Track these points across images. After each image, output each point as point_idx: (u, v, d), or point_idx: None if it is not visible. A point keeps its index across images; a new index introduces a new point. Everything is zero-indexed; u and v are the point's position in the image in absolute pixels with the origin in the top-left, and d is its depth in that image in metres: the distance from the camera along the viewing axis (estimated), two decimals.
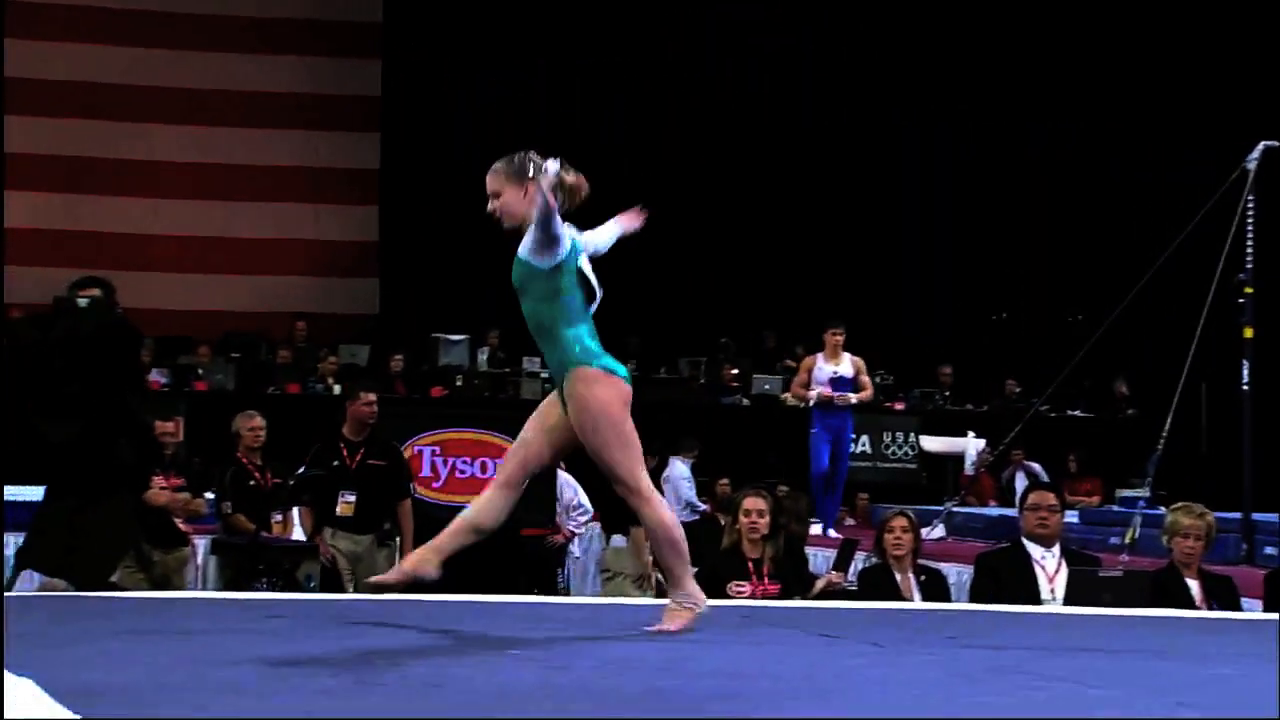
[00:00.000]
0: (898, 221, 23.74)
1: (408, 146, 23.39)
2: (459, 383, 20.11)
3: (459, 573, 11.80)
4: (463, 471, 13.31)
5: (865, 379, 15.86)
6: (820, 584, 10.14)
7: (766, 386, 20.94)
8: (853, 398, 15.72)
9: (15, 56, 22.32)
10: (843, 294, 22.35)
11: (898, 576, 9.78)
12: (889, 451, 19.61)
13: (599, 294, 6.59)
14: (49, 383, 9.67)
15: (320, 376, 20.07)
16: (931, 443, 19.40)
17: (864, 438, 19.43)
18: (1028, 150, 23.40)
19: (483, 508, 6.73)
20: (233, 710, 4.25)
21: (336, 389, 19.57)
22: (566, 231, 6.53)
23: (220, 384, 19.54)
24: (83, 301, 9.76)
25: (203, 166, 22.97)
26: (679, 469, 17.70)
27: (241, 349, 21.08)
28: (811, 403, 15.69)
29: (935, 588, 9.89)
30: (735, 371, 21.37)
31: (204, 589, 12.36)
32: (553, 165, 6.32)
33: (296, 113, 23.45)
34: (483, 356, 21.10)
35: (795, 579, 9.79)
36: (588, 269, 6.59)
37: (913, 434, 19.46)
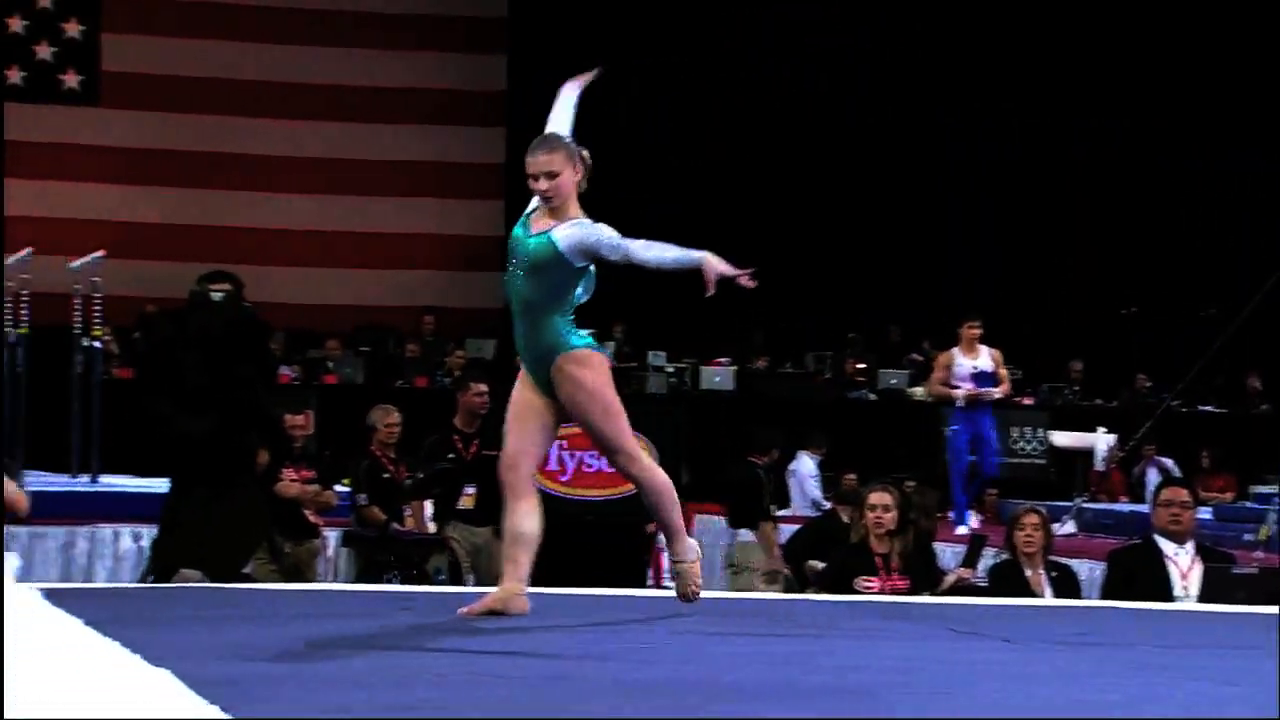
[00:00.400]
0: (975, 216, 23.49)
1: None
2: None
3: (560, 564, 11.90)
4: (589, 465, 13.34)
5: (1004, 372, 15.40)
6: (949, 580, 10.09)
7: (893, 381, 20.85)
8: (995, 392, 15.24)
9: (146, 53, 22.67)
10: (946, 287, 22.27)
11: (1028, 573, 9.71)
12: (1018, 447, 19.43)
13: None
14: (182, 376, 9.81)
15: (448, 370, 20.20)
16: (1061, 438, 19.20)
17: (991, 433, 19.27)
18: (1073, 147, 23.13)
19: (528, 520, 6.64)
20: (364, 701, 4.30)
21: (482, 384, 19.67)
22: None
23: (350, 378, 19.71)
24: (216, 295, 9.90)
25: (332, 162, 23.17)
26: (806, 465, 17.66)
27: (371, 343, 21.26)
28: (960, 401, 15.18)
29: (1066, 584, 9.82)
30: (862, 366, 21.29)
31: (335, 581, 12.46)
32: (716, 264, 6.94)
33: (423, 108, 23.60)
34: (608, 350, 21.14)
35: (924, 574, 9.75)
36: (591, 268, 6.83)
37: (1042, 429, 19.28)
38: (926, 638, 6.42)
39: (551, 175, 6.79)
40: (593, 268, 6.83)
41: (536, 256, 6.68)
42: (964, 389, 15.11)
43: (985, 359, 15.15)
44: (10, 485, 8.19)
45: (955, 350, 15.40)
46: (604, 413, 6.71)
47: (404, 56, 23.64)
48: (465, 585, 11.10)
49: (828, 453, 17.93)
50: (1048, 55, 22.99)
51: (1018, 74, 22.97)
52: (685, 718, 4.23)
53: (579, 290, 6.81)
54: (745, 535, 13.78)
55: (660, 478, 6.71)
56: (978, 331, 15.37)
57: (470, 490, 11.93)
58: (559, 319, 6.74)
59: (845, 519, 13.31)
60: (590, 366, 6.76)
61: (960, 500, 15.44)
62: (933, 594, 9.52)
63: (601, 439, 6.73)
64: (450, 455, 11.99)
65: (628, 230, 6.70)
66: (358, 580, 12.13)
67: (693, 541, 6.79)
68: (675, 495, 6.71)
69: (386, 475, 12.39)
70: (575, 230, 6.60)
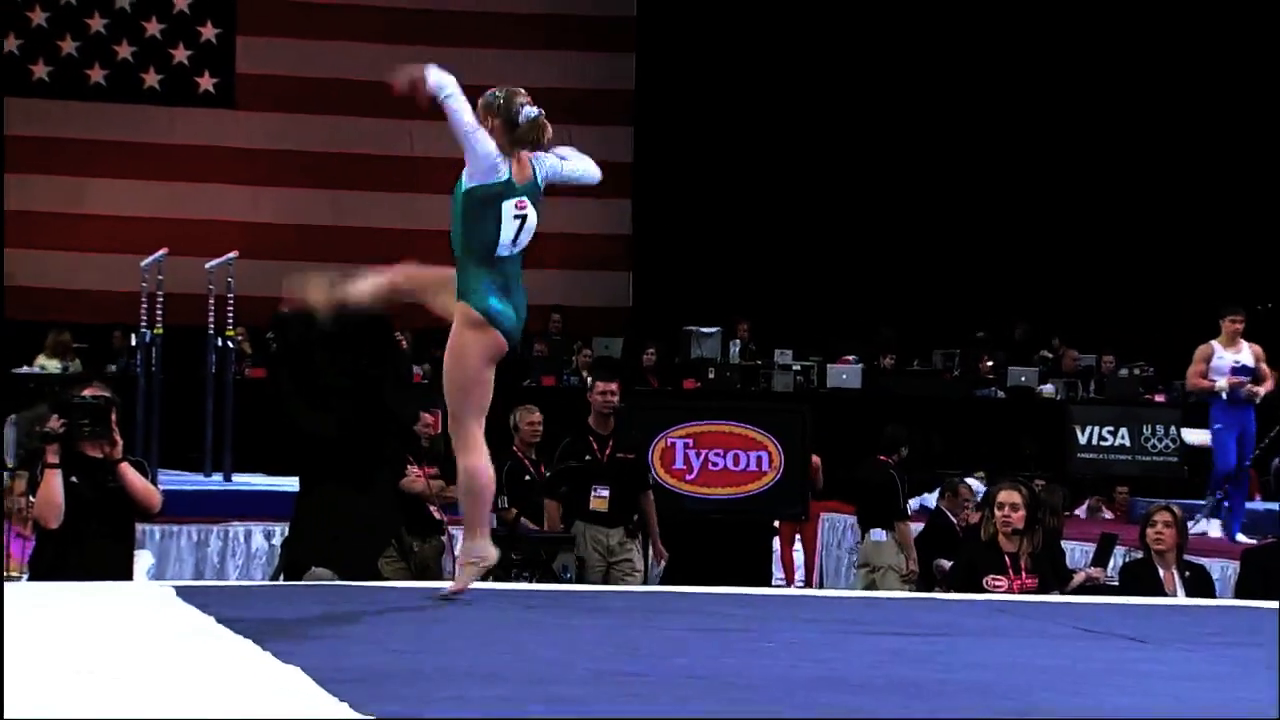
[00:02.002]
0: (1101, 212, 23.17)
1: (660, 140, 23.48)
2: (711, 375, 20.15)
3: (686, 561, 11.88)
4: (715, 464, 13.34)
5: (1266, 368, 14.33)
6: (1079, 578, 9.98)
7: (1022, 379, 20.67)
8: (1259, 389, 14.18)
9: (280, 56, 22.90)
10: (1073, 284, 22.05)
11: (1161, 572, 9.59)
12: (1149, 444, 19.24)
13: (517, 241, 6.77)
14: (313, 376, 9.91)
15: (575, 369, 20.25)
16: (1194, 435, 18.95)
17: (1123, 430, 19.11)
18: (1197, 138, 22.77)
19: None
20: (493, 700, 4.30)
21: (590, 381, 19.73)
22: (514, 167, 6.76)
23: None
24: None
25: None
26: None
27: None
28: (1224, 394, 14.20)
29: (1200, 584, 9.68)
30: (991, 364, 21.13)
31: None
32: (434, 73, 6.77)
33: (551, 107, 23.56)
34: (734, 349, 21.11)
35: (1053, 573, 9.65)
36: (512, 212, 6.74)
37: (1174, 426, 19.06)
38: (1056, 637, 6.35)
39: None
40: (510, 211, 6.76)
41: (453, 202, 6.82)
42: (1223, 381, 14.12)
43: (1246, 354, 14.23)
44: (144, 482, 8.29)
45: (1215, 343, 14.37)
46: (454, 376, 6.64)
47: (533, 56, 23.70)
48: (595, 585, 11.07)
49: (953, 450, 17.80)
50: (1139, 45, 22.67)
51: (1123, 63, 22.68)
52: (813, 717, 4.21)
53: (482, 229, 6.69)
54: (875, 535, 13.70)
55: (468, 465, 6.63)
56: (1240, 325, 14.35)
57: (603, 492, 11.81)
58: (465, 261, 6.73)
59: (951, 517, 13.25)
60: (466, 327, 6.66)
61: (1228, 502, 14.35)
62: (1062, 593, 9.42)
63: (449, 403, 6.70)
64: (588, 457, 11.91)
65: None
66: (485, 577, 12.17)
67: (486, 545, 6.72)
68: (479, 489, 6.66)
69: (529, 478, 12.33)
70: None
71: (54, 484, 8.06)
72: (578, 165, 6.91)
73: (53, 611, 6.12)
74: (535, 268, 24.88)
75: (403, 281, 6.82)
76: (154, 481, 8.47)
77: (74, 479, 8.13)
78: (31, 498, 8.26)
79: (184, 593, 6.67)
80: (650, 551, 11.96)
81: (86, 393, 8.33)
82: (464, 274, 6.67)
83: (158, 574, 11.70)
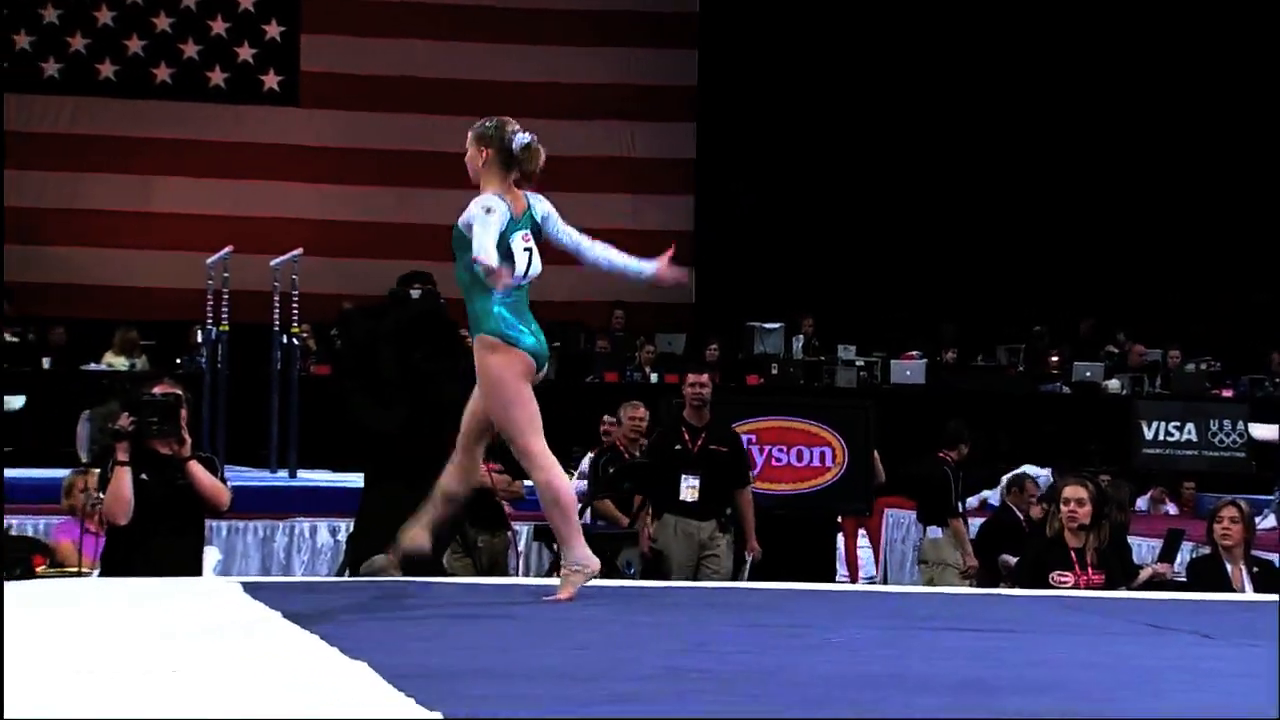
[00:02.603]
0: (1166, 206, 23.00)
1: (723, 136, 23.47)
2: (774, 370, 20.12)
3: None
4: (779, 459, 13.31)
5: None
6: (1145, 574, 9.94)
7: (1087, 374, 20.57)
8: None
9: (343, 53, 22.99)
10: (1156, 277, 21.90)
11: (1228, 567, 9.53)
12: (1216, 439, 19.12)
13: (528, 273, 6.83)
14: (377, 372, 9.94)
15: (638, 365, 20.26)
16: (1261, 430, 18.84)
17: (1189, 425, 18.99)
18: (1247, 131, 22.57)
19: (451, 475, 6.93)
20: (557, 697, 4.31)
21: (654, 377, 19.74)
22: (510, 202, 6.77)
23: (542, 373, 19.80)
24: (415, 294, 10.03)
25: None
26: None
27: (561, 338, 21.36)
28: None
29: (1268, 579, 9.62)
30: (1056, 359, 21.02)
31: (527, 575, 12.53)
32: (493, 265, 6.58)
33: (614, 104, 23.67)
34: (797, 344, 21.08)
35: (1120, 569, 9.60)
36: (521, 245, 6.76)
37: (1241, 421, 18.93)
38: (1122, 633, 6.32)
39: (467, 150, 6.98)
40: (520, 245, 6.80)
41: (454, 239, 6.82)
42: None
43: None
44: (212, 480, 8.34)
45: None
46: (501, 401, 6.72)
47: (595, 52, 23.74)
48: (672, 579, 11.02)
49: (1019, 446, 17.71)
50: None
51: (1192, 54, 22.52)
52: (875, 716, 4.20)
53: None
54: (935, 531, 13.66)
55: (548, 481, 6.69)
56: None
57: (693, 482, 11.66)
58: (481, 301, 6.75)
59: (1017, 513, 13.18)
60: (493, 354, 6.74)
61: None
62: (1129, 589, 9.37)
63: (499, 427, 6.79)
64: (677, 447, 11.84)
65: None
66: (548, 573, 12.19)
67: (585, 554, 6.72)
68: (566, 503, 6.73)
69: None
70: (469, 206, 6.76)
71: (123, 481, 8.11)
72: (571, 235, 7.05)
73: (120, 607, 6.16)
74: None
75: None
76: (223, 478, 8.51)
77: (144, 476, 8.18)
78: (101, 494, 8.32)
79: (250, 588, 6.71)
80: (745, 549, 11.85)
81: (157, 390, 8.38)
82: (475, 307, 6.77)
83: (224, 569, 11.77)
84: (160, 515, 8.17)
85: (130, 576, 7.64)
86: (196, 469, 8.26)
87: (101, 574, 8.43)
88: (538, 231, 6.90)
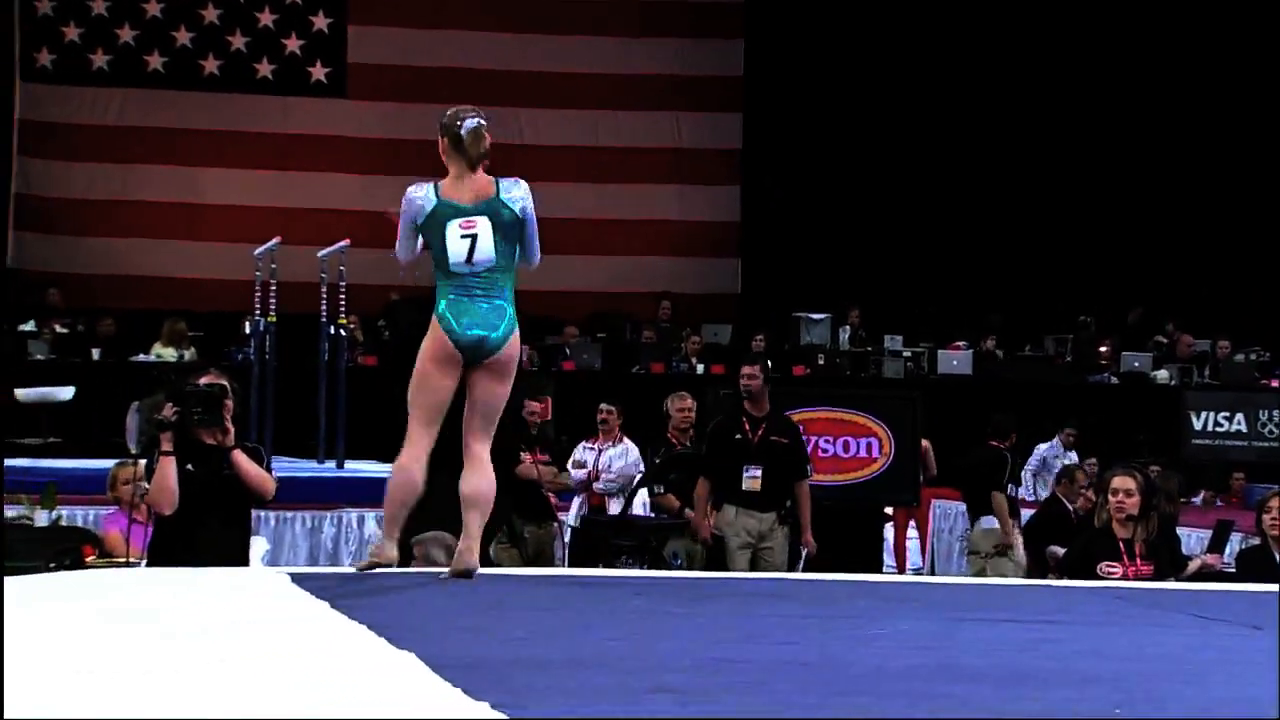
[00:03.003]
0: (1209, 195, 22.84)
1: (770, 126, 23.42)
2: (820, 361, 20.10)
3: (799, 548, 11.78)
4: (826, 450, 13.30)
5: None
6: (1194, 565, 9.90)
7: (1135, 364, 20.47)
8: None
9: (390, 45, 23.03)
10: (1205, 267, 21.77)
11: (1277, 557, 9.47)
12: (1265, 430, 19.02)
13: (471, 260, 6.88)
14: None
15: (684, 356, 20.25)
16: None
17: (1238, 415, 18.90)
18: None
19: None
20: (604, 688, 4.31)
21: (700, 368, 19.73)
22: (458, 188, 6.90)
23: (587, 364, 19.83)
24: None
25: (571, 149, 23.33)
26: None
27: (607, 329, 21.38)
28: None
29: None
30: (1105, 349, 20.93)
31: (571, 565, 12.53)
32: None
33: (660, 94, 23.66)
34: (844, 335, 21.03)
35: (1169, 560, 9.54)
36: (458, 233, 6.86)
37: None
38: (1172, 624, 6.29)
39: None
40: (454, 232, 6.91)
41: None
42: None
43: None
44: (257, 469, 8.36)
45: None
46: (413, 381, 7.06)
47: (642, 43, 23.72)
48: (730, 571, 10.98)
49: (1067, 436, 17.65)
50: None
51: (1240, 45, 22.38)
52: (926, 708, 4.19)
53: (436, 251, 6.97)
54: (986, 522, 13.61)
55: (394, 469, 7.09)
56: None
57: (755, 472, 11.60)
58: (437, 282, 7.05)
59: (1066, 504, 13.12)
60: (429, 333, 7.04)
61: None
62: (1178, 580, 9.32)
63: None
64: (737, 436, 11.81)
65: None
66: (595, 563, 12.18)
67: (386, 543, 7.15)
68: (393, 496, 7.13)
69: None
70: None
71: (168, 471, 8.14)
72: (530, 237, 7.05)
73: (166, 597, 6.19)
74: (646, 254, 24.90)
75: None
76: (268, 468, 8.54)
77: (189, 466, 8.21)
78: (147, 484, 8.35)
79: (298, 579, 6.73)
80: (801, 542, 11.80)
81: (202, 381, 8.41)
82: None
83: (272, 560, 11.81)
84: (206, 505, 8.20)
85: (176, 566, 7.67)
86: (241, 459, 8.28)
87: (148, 564, 8.47)
88: (505, 218, 6.90)
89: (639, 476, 12.83)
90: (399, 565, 7.31)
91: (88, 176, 22.23)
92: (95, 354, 18.85)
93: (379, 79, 22.94)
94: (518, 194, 6.95)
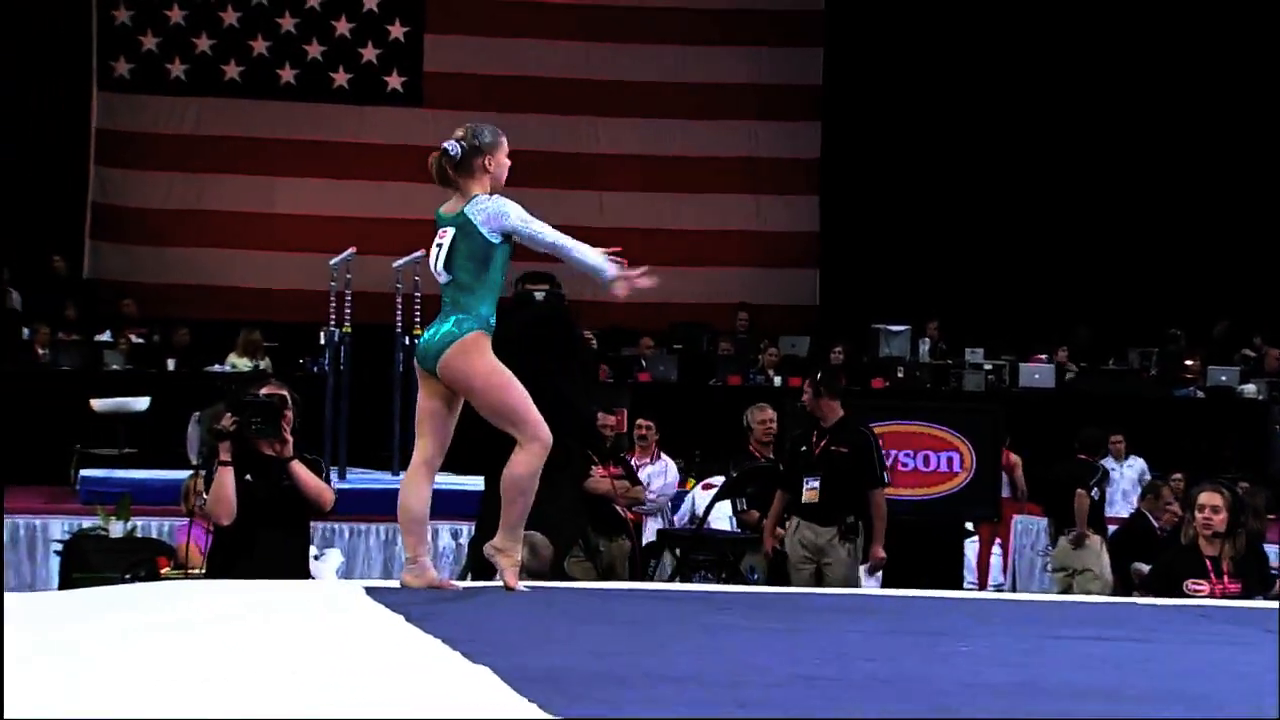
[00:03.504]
0: None
1: (849, 135, 23.34)
2: (900, 374, 20.02)
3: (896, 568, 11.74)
4: (905, 464, 13.23)
5: None
6: None
7: (1223, 378, 20.29)
8: None
9: (467, 54, 23.10)
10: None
11: None
12: None
13: (437, 268, 7.08)
14: None
15: (761, 368, 20.22)
16: None
17: None
18: None
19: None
20: (685, 702, 4.30)
21: (777, 380, 19.70)
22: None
23: (663, 376, 19.83)
24: (538, 295, 10.05)
25: (647, 159, 23.34)
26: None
27: (684, 341, 21.37)
28: None
29: None
30: (1192, 363, 20.75)
31: (649, 579, 12.51)
32: None
33: (738, 103, 23.64)
34: (924, 347, 20.96)
35: (1256, 578, 9.46)
36: (432, 249, 7.10)
37: None
38: (1259, 643, 6.22)
39: None
40: (443, 240, 7.12)
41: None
42: None
43: None
44: (315, 480, 8.37)
45: None
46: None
47: (720, 52, 23.70)
48: (790, 586, 10.96)
49: (1152, 451, 17.53)
50: None
51: None
52: (1008, 718, 4.17)
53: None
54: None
55: (399, 497, 7.26)
56: None
57: (814, 484, 11.52)
58: None
59: (1152, 519, 13.02)
60: None
61: None
62: (1265, 598, 9.23)
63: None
64: (803, 449, 11.76)
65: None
66: (671, 578, 12.18)
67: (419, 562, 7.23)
68: (404, 520, 7.30)
69: None
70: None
71: (225, 481, 8.16)
72: (538, 234, 7.17)
73: (240, 608, 6.22)
74: (723, 265, 24.93)
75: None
76: (327, 479, 8.55)
77: (248, 477, 8.24)
78: (205, 495, 8.38)
79: (373, 592, 6.75)
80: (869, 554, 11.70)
81: (262, 391, 8.43)
82: None
83: (347, 573, 11.87)
84: (264, 516, 8.23)
85: (235, 578, 7.69)
86: (299, 469, 8.29)
87: (207, 574, 8.51)
88: (468, 229, 7.02)
89: (716, 489, 12.82)
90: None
91: (164, 186, 22.40)
92: (170, 364, 19.00)
93: (455, 88, 23.00)
94: (482, 208, 7.06)
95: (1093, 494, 13.52)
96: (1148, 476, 16.28)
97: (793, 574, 11.42)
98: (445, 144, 7.15)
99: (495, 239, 7.00)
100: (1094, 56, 22.77)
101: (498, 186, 7.21)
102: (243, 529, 8.21)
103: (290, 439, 8.31)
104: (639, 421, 13.45)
